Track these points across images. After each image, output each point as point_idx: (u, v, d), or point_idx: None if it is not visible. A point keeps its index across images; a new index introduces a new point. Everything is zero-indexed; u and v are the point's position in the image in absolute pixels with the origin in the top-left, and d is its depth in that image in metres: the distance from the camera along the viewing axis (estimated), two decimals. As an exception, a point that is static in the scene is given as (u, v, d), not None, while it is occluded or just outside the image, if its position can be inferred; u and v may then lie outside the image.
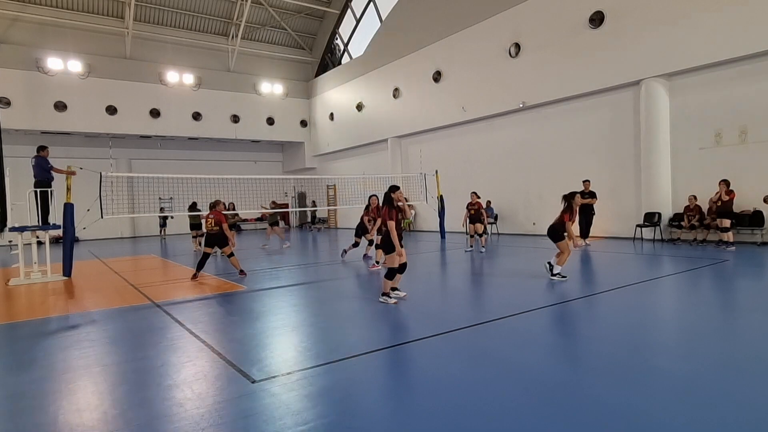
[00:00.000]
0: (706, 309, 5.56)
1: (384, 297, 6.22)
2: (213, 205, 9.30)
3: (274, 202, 15.57)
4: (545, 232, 7.74)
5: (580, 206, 11.56)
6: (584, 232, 12.35)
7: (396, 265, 6.10)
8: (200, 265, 9.02)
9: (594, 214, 12.45)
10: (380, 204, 9.82)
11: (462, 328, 4.92)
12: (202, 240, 16.42)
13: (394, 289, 6.33)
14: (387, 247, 6.12)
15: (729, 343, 4.25)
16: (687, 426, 2.69)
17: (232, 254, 9.26)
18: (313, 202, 27.51)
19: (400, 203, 6.20)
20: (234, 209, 14.81)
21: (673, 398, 3.05)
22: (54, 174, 9.85)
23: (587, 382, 3.37)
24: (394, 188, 6.21)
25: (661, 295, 6.42)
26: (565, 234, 7.30)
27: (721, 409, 2.88)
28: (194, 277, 8.92)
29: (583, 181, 12.48)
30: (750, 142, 10.84)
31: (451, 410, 2.99)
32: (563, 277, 7.36)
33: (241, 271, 9.10)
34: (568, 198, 7.50)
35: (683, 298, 6.29)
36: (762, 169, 10.64)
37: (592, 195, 12.14)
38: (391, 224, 5.99)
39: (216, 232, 9.08)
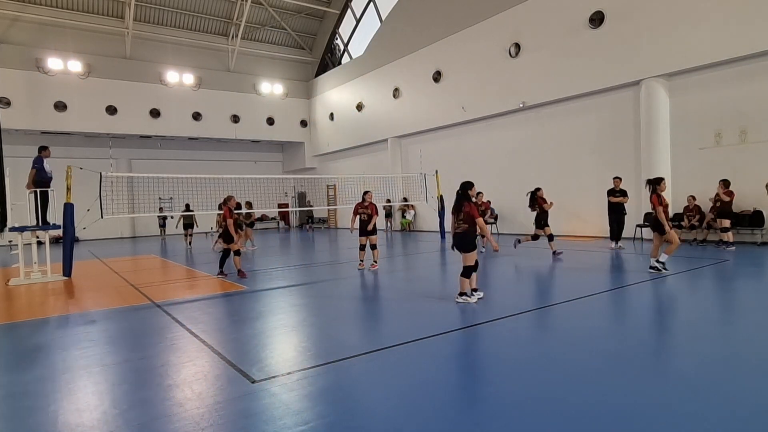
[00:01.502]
0: (706, 309, 5.56)
1: (463, 297, 6.00)
2: (225, 201, 9.32)
3: (249, 203, 15.25)
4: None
5: (610, 206, 11.12)
6: (615, 234, 11.25)
7: (473, 263, 5.97)
8: (236, 263, 9.18)
9: (626, 214, 11.39)
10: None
11: (463, 327, 4.92)
12: (189, 236, 17.34)
13: (474, 290, 6.15)
14: (468, 245, 5.94)
15: (729, 343, 4.25)
16: (687, 426, 2.69)
17: (237, 252, 9.26)
18: (308, 202, 27.52)
19: (475, 200, 6.09)
20: (251, 208, 14.72)
21: (674, 397, 3.05)
22: (32, 173, 9.64)
23: (582, 383, 3.37)
24: (470, 184, 6.04)
25: (661, 295, 6.42)
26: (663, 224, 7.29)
27: (721, 409, 2.88)
28: (240, 272, 8.95)
29: (614, 178, 11.34)
30: (750, 142, 10.84)
31: (450, 409, 2.99)
32: (665, 269, 7.44)
33: (240, 272, 9.07)
34: (653, 183, 7.46)
35: (684, 298, 6.28)
36: (762, 169, 10.63)
37: (624, 193, 11.16)
38: (480, 220, 5.89)
39: (224, 227, 9.18)
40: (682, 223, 11.66)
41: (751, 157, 10.79)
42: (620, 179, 11.33)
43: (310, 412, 3.04)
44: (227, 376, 3.76)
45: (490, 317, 5.27)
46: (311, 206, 26.04)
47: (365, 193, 9.49)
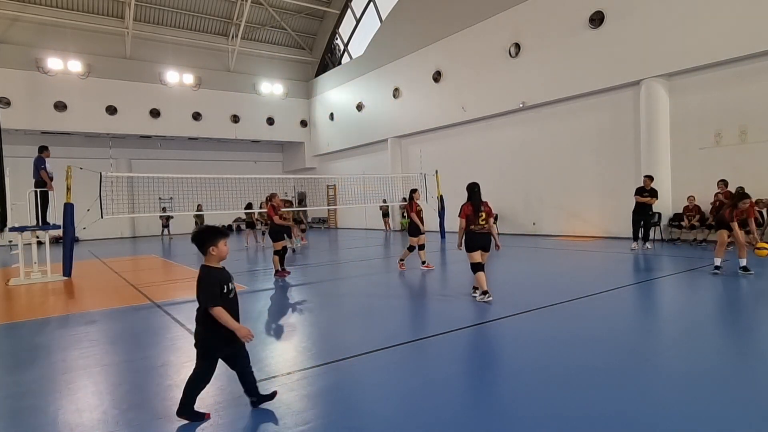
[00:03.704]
0: (705, 309, 5.56)
1: (486, 294, 5.96)
2: (268, 199, 9.18)
3: (289, 202, 15.25)
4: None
5: (637, 205, 10.56)
6: (641, 234, 10.76)
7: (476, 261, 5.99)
8: (281, 261, 9.01)
9: (653, 214, 11.03)
10: (410, 200, 9.15)
11: (463, 327, 4.91)
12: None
13: (475, 288, 6.09)
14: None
15: (729, 344, 4.25)
16: (685, 427, 2.69)
17: (276, 252, 8.97)
18: (300, 201, 27.58)
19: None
20: (292, 206, 14.67)
21: (672, 399, 3.05)
22: (44, 174, 9.68)
23: (579, 385, 3.37)
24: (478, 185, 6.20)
25: (660, 295, 6.42)
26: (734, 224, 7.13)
27: (720, 410, 2.88)
28: (283, 272, 8.85)
29: (644, 177, 10.73)
30: (750, 142, 10.83)
31: (450, 409, 2.99)
32: (749, 271, 7.25)
33: (282, 270, 8.79)
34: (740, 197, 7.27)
35: (683, 298, 6.29)
36: (762, 169, 10.64)
37: (653, 194, 10.54)
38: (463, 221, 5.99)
39: (270, 225, 9.08)
40: (682, 223, 11.66)
41: (751, 157, 10.78)
42: (651, 178, 10.67)
43: (310, 412, 3.04)
44: (227, 376, 3.74)
45: (491, 316, 5.27)
46: (304, 207, 26.07)
47: (415, 191, 9.31)
